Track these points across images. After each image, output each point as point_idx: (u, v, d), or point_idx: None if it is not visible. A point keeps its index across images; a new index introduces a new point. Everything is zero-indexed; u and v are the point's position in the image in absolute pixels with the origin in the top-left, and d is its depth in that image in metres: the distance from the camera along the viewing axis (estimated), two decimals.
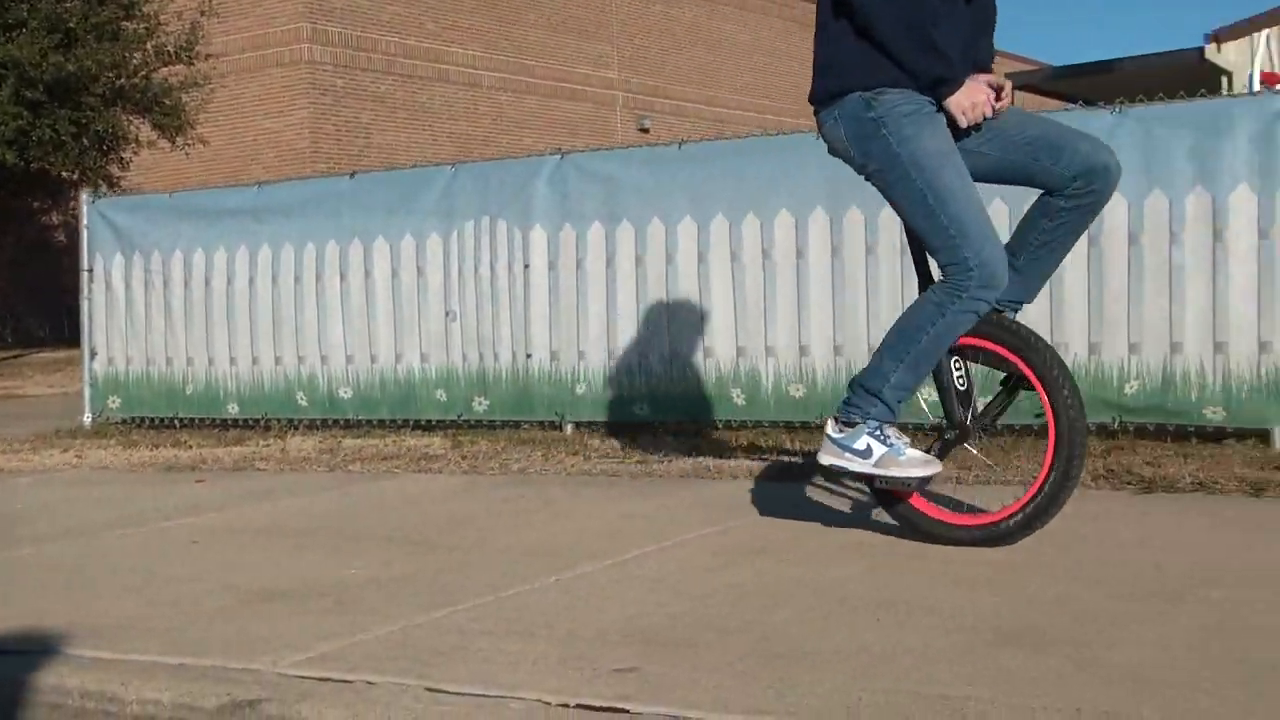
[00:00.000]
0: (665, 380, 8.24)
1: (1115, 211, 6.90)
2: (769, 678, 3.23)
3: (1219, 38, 17.79)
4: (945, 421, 4.63)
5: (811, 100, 4.58)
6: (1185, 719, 2.84)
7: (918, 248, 4.59)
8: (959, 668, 3.24)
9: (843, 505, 5.37)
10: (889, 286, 7.57)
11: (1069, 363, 7.09)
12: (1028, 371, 4.44)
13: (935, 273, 4.56)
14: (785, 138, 8.10)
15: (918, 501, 4.59)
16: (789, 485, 6.01)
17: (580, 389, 8.53)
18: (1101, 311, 7.11)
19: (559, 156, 8.71)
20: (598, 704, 3.11)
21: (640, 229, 8.29)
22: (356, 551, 4.99)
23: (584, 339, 8.51)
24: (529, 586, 4.29)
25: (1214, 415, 6.84)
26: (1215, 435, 6.81)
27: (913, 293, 7.38)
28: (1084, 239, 7.01)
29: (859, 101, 4.39)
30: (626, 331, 8.37)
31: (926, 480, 4.48)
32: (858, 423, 4.46)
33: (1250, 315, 6.75)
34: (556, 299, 8.59)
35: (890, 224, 7.43)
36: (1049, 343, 4.60)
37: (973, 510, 4.64)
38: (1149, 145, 6.91)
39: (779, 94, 33.35)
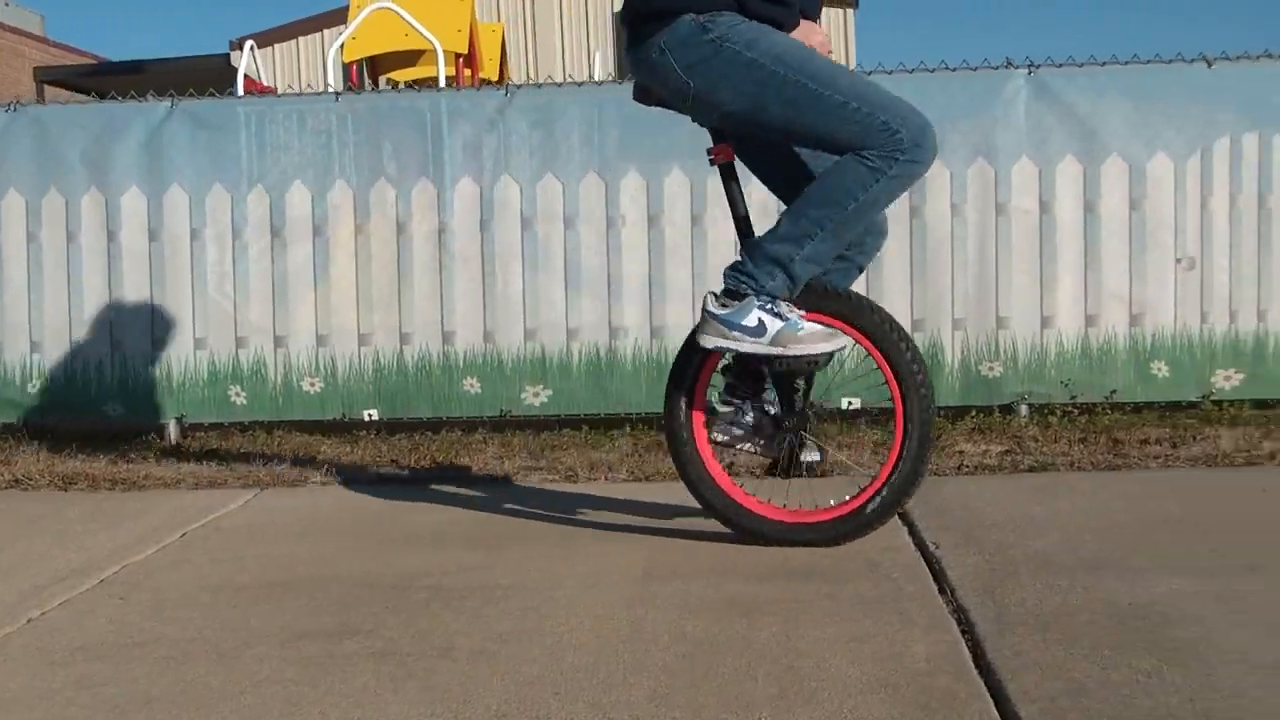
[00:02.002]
0: None
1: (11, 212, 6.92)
2: None
3: (240, 45, 18.49)
4: (781, 408, 4.12)
5: (627, 20, 3.94)
6: None
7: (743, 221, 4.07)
8: None
9: None
10: None
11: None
12: (864, 340, 4.00)
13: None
14: None
15: (748, 501, 4.13)
16: None
17: None
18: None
19: None
20: None
21: None
22: None
23: None
24: None
25: (114, 412, 7.00)
26: (120, 431, 6.98)
27: None
28: None
29: (691, 25, 3.80)
30: None
31: (831, 357, 3.93)
32: (746, 294, 3.85)
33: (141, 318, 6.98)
34: None
35: None
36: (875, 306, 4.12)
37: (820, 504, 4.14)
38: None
39: None
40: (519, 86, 7.05)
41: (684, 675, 3.00)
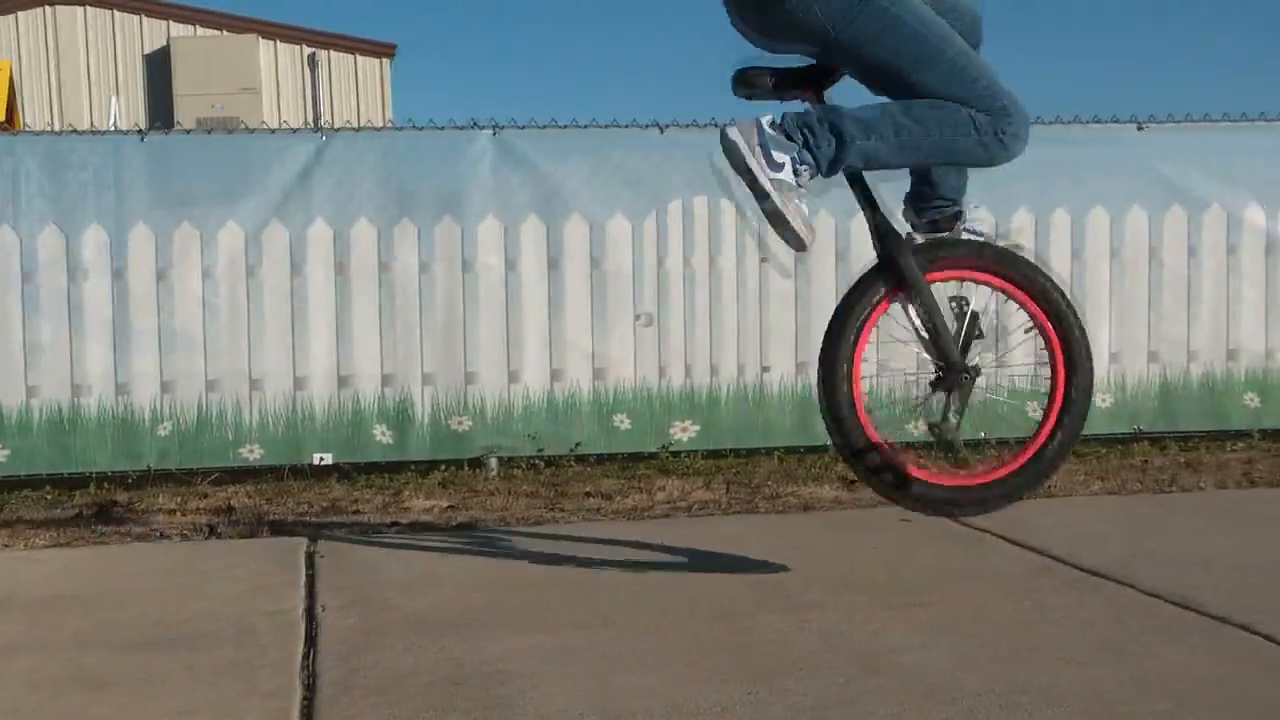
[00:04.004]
0: None
1: None
2: None
3: None
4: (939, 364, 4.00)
5: None
6: None
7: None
8: None
9: None
10: None
11: None
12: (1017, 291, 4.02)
13: None
14: None
15: (921, 472, 3.94)
16: None
17: None
18: None
19: None
20: None
21: None
22: None
23: None
24: None
25: None
26: None
27: None
28: None
29: None
30: None
31: (794, 241, 3.89)
32: (791, 142, 3.86)
33: None
34: None
35: None
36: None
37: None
38: None
39: None
40: None
41: None
